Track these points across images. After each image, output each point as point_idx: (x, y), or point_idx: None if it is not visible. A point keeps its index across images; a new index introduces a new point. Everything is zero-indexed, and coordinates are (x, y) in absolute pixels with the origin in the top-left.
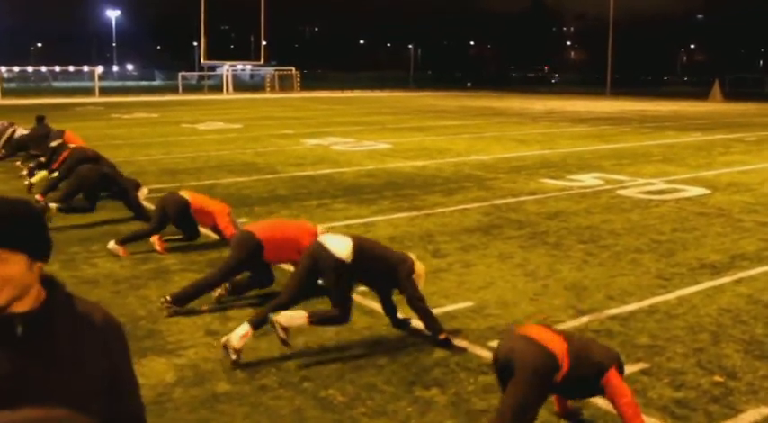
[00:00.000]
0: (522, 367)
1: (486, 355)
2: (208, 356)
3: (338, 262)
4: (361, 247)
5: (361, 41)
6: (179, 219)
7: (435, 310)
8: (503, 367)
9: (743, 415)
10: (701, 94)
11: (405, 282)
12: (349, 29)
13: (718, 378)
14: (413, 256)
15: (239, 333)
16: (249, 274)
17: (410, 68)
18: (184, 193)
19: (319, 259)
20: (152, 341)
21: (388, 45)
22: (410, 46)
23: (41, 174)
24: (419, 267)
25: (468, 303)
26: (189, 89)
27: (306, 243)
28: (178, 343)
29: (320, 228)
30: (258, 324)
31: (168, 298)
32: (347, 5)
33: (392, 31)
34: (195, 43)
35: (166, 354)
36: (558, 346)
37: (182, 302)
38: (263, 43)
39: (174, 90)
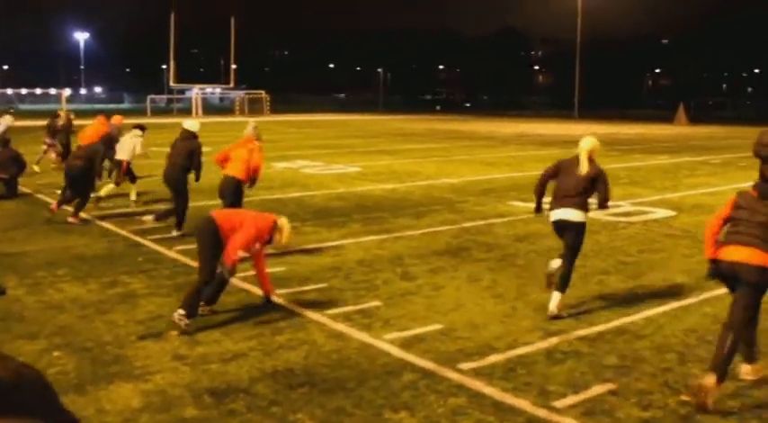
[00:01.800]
0: (749, 289)
1: (456, 377)
2: (175, 381)
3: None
4: None
5: (331, 65)
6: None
7: (404, 333)
8: (729, 277)
9: None
10: (667, 117)
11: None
12: (319, 52)
13: (685, 397)
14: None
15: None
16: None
17: (379, 92)
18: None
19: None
20: (119, 366)
21: (358, 69)
22: (379, 70)
23: (109, 186)
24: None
25: (438, 326)
26: (158, 112)
27: (264, 233)
28: (145, 368)
29: (282, 218)
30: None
31: (183, 312)
32: (317, 29)
33: (361, 55)
34: (164, 66)
35: (133, 379)
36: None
37: (193, 313)
38: (233, 66)
39: (143, 113)
